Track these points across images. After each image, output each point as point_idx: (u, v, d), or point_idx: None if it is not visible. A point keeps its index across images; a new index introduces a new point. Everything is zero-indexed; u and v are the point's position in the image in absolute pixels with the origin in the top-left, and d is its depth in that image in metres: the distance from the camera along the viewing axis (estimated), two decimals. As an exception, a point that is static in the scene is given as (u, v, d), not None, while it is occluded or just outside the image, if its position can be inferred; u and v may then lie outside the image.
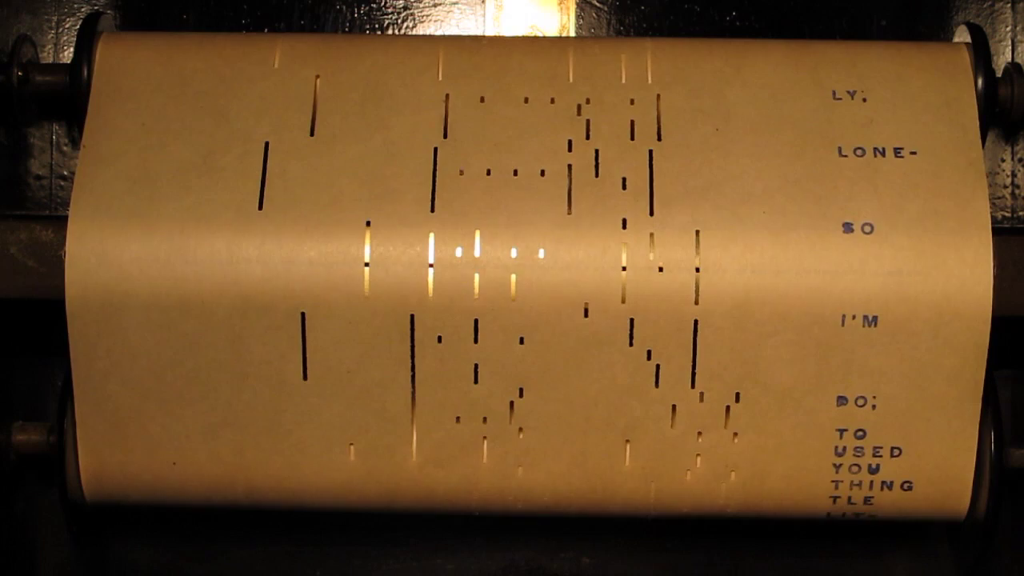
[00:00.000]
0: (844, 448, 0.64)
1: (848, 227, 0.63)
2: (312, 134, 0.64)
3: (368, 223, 0.63)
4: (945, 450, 0.64)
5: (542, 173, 0.64)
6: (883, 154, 0.64)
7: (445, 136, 0.64)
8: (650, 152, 0.64)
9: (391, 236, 0.63)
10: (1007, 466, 0.66)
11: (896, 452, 0.64)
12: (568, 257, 0.63)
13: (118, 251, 0.63)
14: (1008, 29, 0.73)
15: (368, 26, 0.75)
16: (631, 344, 0.63)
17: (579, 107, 0.65)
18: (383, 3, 0.75)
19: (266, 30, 0.74)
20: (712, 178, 0.64)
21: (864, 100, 0.65)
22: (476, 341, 0.63)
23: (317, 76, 0.65)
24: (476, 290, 0.63)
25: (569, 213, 0.63)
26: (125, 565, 0.71)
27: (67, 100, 0.68)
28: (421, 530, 0.70)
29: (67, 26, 0.73)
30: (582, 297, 0.63)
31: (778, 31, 0.74)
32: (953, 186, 0.63)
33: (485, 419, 0.64)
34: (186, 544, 0.71)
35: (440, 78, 0.66)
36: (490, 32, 0.75)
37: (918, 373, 0.63)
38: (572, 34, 0.75)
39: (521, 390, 0.64)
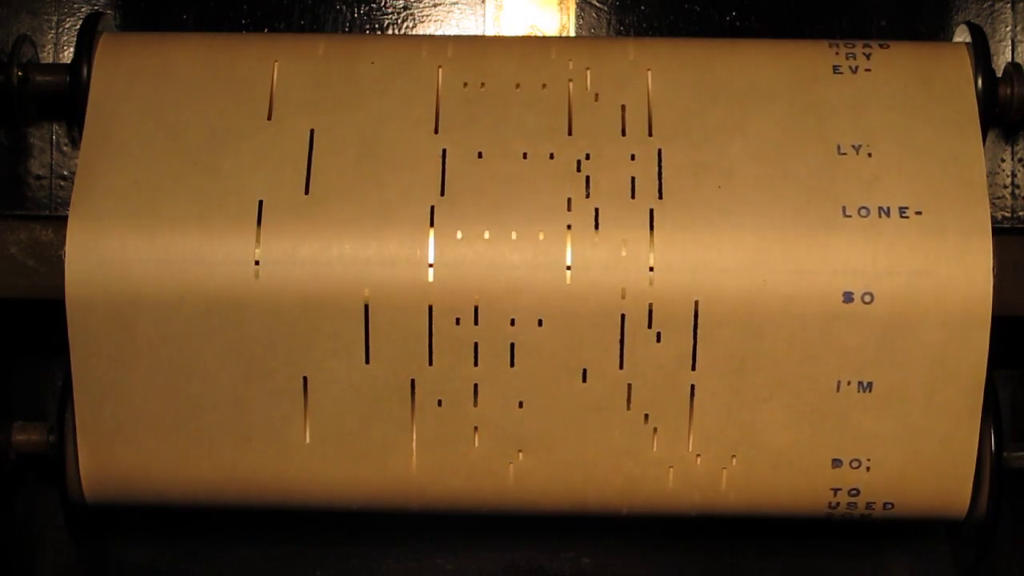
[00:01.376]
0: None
1: (848, 296, 0.63)
2: (307, 192, 0.64)
3: (366, 292, 0.63)
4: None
5: (541, 236, 0.63)
6: (887, 214, 0.63)
7: (443, 194, 0.64)
8: (651, 211, 0.63)
9: (390, 302, 0.63)
10: (1007, 466, 0.66)
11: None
12: (566, 327, 0.63)
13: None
14: (1008, 29, 0.73)
15: (368, 26, 0.75)
16: (628, 408, 0.64)
17: (579, 163, 0.64)
18: (383, 3, 0.75)
19: (266, 30, 0.74)
20: (713, 240, 0.63)
21: (869, 155, 0.64)
22: (476, 405, 0.64)
23: (312, 130, 0.64)
24: (476, 359, 0.63)
25: (568, 280, 0.63)
26: (125, 565, 0.71)
27: (67, 100, 0.67)
28: (421, 530, 0.70)
29: (67, 26, 0.73)
30: (580, 362, 0.63)
31: (778, 31, 0.74)
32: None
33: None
34: (186, 544, 0.71)
35: (437, 131, 0.65)
36: (490, 32, 0.75)
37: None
38: (572, 34, 0.74)
39: (520, 452, 0.65)
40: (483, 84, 0.65)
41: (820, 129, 0.64)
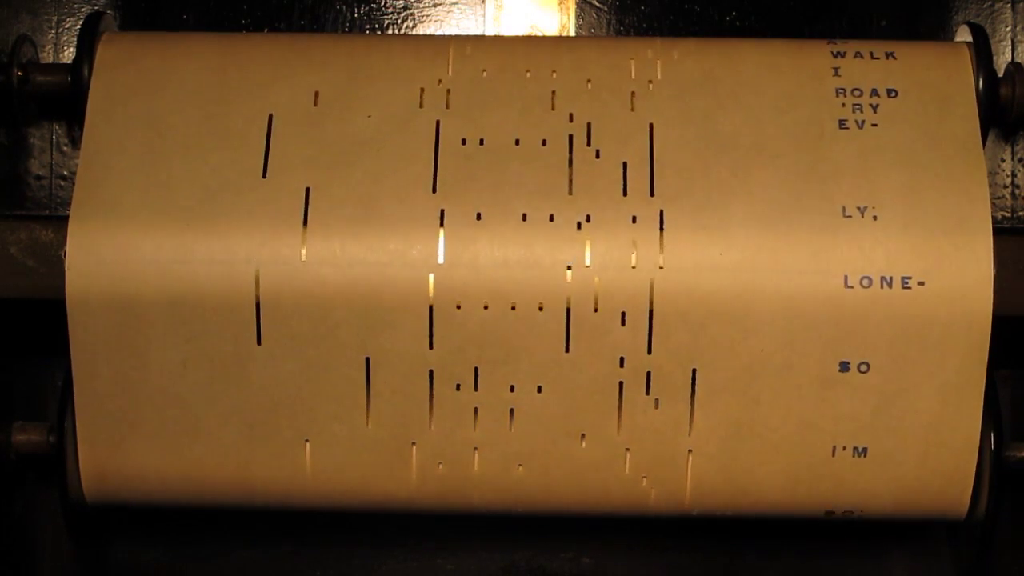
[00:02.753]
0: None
1: (844, 366, 0.63)
2: (303, 260, 0.63)
3: (367, 360, 0.63)
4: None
5: (540, 308, 0.63)
6: (890, 285, 0.63)
7: (441, 261, 0.63)
8: (651, 283, 0.63)
9: (390, 370, 0.63)
10: (1007, 466, 0.66)
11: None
12: (565, 395, 0.64)
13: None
14: (1008, 29, 0.73)
15: (368, 26, 0.75)
16: (626, 470, 0.64)
17: (579, 225, 0.63)
18: (383, 3, 0.75)
19: (266, 29, 0.74)
20: (712, 310, 0.63)
21: (875, 219, 0.63)
22: (475, 467, 0.65)
23: (308, 188, 0.64)
24: (475, 421, 0.64)
25: (567, 351, 0.63)
26: (125, 565, 0.71)
27: (67, 100, 0.68)
28: (421, 530, 0.70)
29: (67, 26, 0.73)
30: (579, 427, 0.64)
31: (778, 31, 0.74)
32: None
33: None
34: (186, 544, 0.71)
35: (434, 191, 0.64)
36: (490, 32, 0.75)
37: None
38: (572, 33, 0.74)
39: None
40: (482, 141, 0.64)
41: (824, 188, 0.63)
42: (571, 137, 0.64)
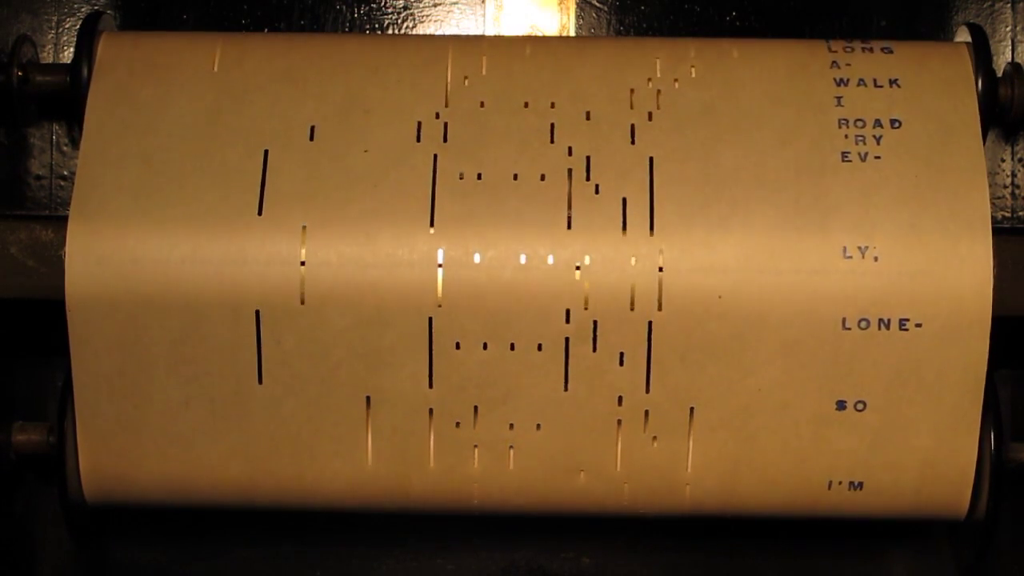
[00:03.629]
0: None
1: (841, 405, 0.64)
2: (303, 303, 0.63)
3: (368, 399, 0.64)
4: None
5: (539, 347, 0.63)
6: (887, 326, 0.63)
7: (440, 300, 0.63)
8: (649, 324, 0.63)
9: (391, 409, 0.64)
10: (1007, 466, 0.66)
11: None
12: (564, 432, 0.64)
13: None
14: (1008, 29, 0.73)
15: (368, 26, 0.75)
16: (624, 502, 0.65)
17: (577, 267, 0.63)
18: (383, 3, 0.75)
19: (266, 29, 0.74)
20: (711, 351, 0.63)
21: (876, 259, 0.63)
22: (475, 502, 0.65)
23: (304, 227, 0.63)
24: (475, 462, 0.64)
25: (566, 390, 0.64)
26: (125, 565, 0.71)
27: (67, 100, 0.67)
28: (421, 530, 0.70)
29: (67, 26, 0.73)
30: (577, 465, 0.64)
31: (778, 31, 0.74)
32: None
33: None
34: (186, 544, 0.71)
35: (432, 228, 0.63)
36: (490, 32, 0.75)
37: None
38: (572, 34, 0.74)
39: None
40: (480, 175, 0.64)
41: (825, 229, 0.63)
42: (570, 171, 0.63)
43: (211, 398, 0.64)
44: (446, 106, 0.65)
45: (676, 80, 0.65)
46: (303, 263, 0.63)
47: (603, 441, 0.64)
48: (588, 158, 0.64)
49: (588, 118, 0.64)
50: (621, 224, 0.63)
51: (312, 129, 0.64)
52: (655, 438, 0.64)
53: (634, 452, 0.64)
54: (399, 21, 0.75)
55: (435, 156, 0.64)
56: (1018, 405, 0.72)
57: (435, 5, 0.75)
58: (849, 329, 0.63)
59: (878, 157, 0.63)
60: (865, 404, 0.63)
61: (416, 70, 0.66)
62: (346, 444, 0.64)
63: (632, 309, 0.63)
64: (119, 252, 0.63)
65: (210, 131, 0.64)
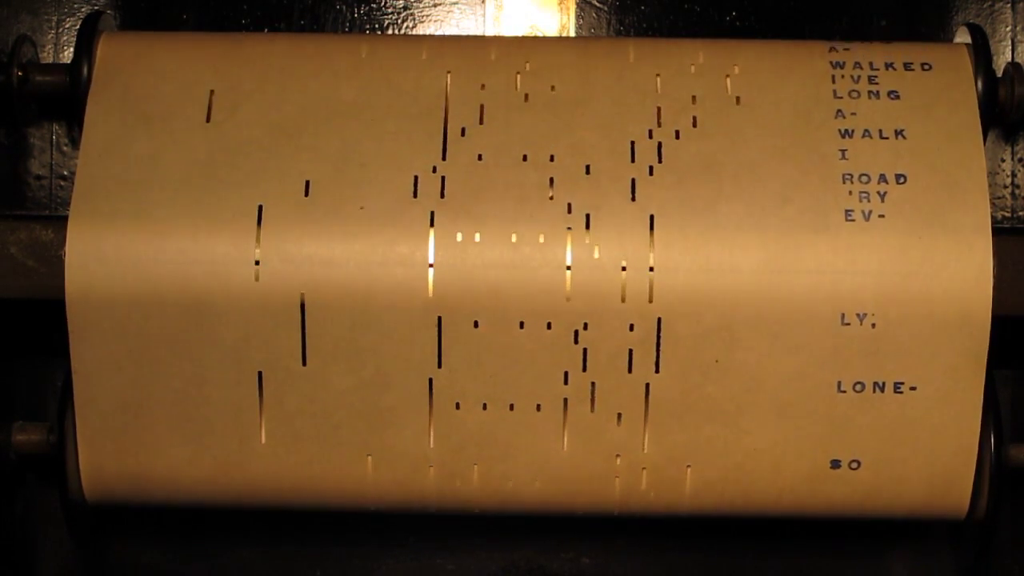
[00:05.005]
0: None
1: (835, 464, 0.64)
2: (304, 364, 0.63)
3: (369, 456, 0.64)
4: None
5: (538, 408, 0.64)
6: (882, 389, 0.63)
7: (439, 366, 0.63)
8: (647, 386, 0.63)
9: (392, 466, 0.64)
10: (1007, 466, 0.66)
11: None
12: (562, 491, 0.65)
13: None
14: (1008, 29, 0.73)
15: (368, 26, 0.75)
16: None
17: (576, 333, 0.63)
18: (383, 3, 0.75)
19: (266, 30, 0.74)
20: (708, 411, 0.63)
21: (873, 326, 0.63)
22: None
23: (303, 294, 0.63)
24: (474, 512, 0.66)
25: (564, 448, 0.64)
26: (125, 565, 0.71)
27: (67, 100, 0.67)
28: (421, 530, 0.70)
29: (67, 26, 0.73)
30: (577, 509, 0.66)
31: (778, 31, 0.74)
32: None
33: None
34: (186, 544, 0.71)
35: (430, 295, 0.63)
36: (490, 32, 0.75)
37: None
38: (572, 34, 0.74)
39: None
40: (478, 236, 0.63)
41: (827, 297, 0.62)
42: (570, 231, 0.63)
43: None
44: (444, 159, 0.64)
45: (677, 131, 0.64)
46: (304, 327, 0.63)
47: (601, 495, 0.65)
48: (588, 215, 0.63)
49: (588, 172, 0.63)
50: (620, 294, 0.63)
51: (307, 184, 0.63)
52: (653, 493, 0.65)
53: (631, 505, 0.65)
54: (399, 21, 0.75)
55: (432, 213, 0.63)
56: (1018, 405, 0.72)
57: (435, 5, 0.75)
58: (844, 392, 0.63)
59: (882, 216, 0.63)
60: (860, 463, 0.64)
61: (413, 121, 0.64)
62: (348, 496, 0.65)
63: (630, 372, 0.63)
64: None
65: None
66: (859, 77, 0.65)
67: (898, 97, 0.65)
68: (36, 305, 0.65)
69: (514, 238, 0.63)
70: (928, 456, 0.64)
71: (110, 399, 0.64)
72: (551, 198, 0.63)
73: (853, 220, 0.62)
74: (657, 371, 0.63)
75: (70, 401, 0.65)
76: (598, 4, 0.75)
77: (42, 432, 0.68)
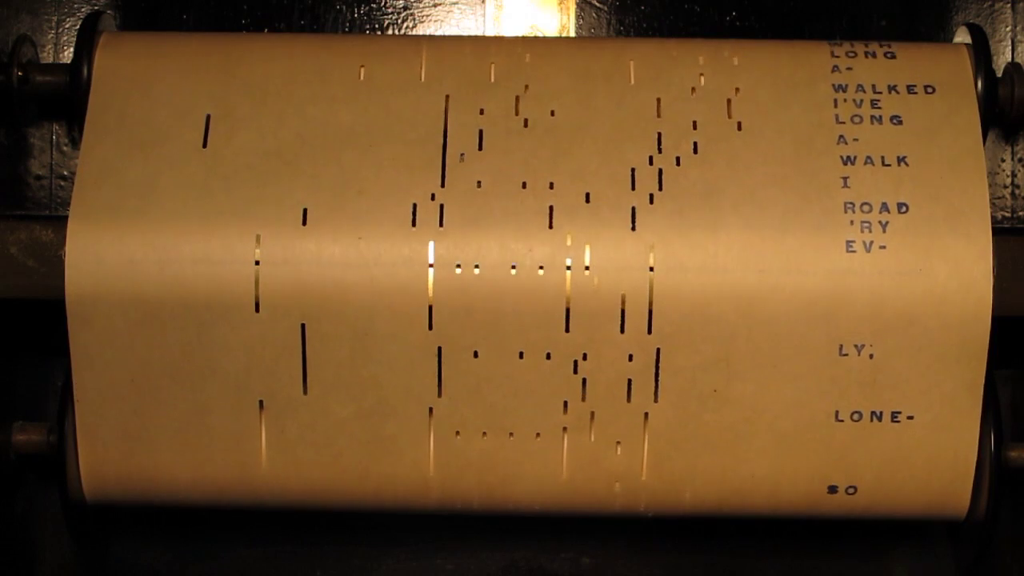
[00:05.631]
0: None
1: (832, 489, 0.65)
2: (305, 393, 0.64)
3: (373, 490, 0.65)
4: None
5: (537, 435, 0.64)
6: (880, 419, 0.63)
7: (440, 395, 0.64)
8: (646, 415, 0.64)
9: (394, 492, 0.65)
10: (1007, 466, 0.66)
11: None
12: (562, 513, 0.66)
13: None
14: (1008, 29, 0.73)
15: (368, 26, 0.75)
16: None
17: (576, 364, 0.63)
18: (383, 3, 0.75)
19: (266, 30, 0.74)
20: (706, 439, 0.64)
21: (871, 357, 0.63)
22: None
23: (303, 324, 0.63)
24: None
25: (564, 475, 0.65)
26: (125, 565, 0.71)
27: (67, 100, 0.67)
28: (421, 530, 0.70)
29: (67, 26, 0.73)
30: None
31: (778, 31, 0.74)
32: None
33: None
34: (186, 544, 0.71)
35: (430, 329, 0.63)
36: (490, 32, 0.75)
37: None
38: (572, 34, 0.74)
39: None
40: (477, 266, 0.62)
41: (826, 327, 0.62)
42: (569, 267, 0.63)
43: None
44: (442, 186, 0.63)
45: (678, 157, 0.64)
46: (304, 356, 0.63)
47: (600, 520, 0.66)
48: (587, 247, 0.63)
49: (588, 200, 0.63)
50: (619, 326, 0.63)
51: (305, 213, 0.63)
52: (652, 517, 0.66)
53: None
54: (399, 21, 0.75)
55: (431, 244, 0.63)
56: (1018, 405, 0.72)
57: (435, 5, 0.75)
58: (842, 421, 0.63)
59: (883, 247, 0.62)
60: (856, 488, 0.65)
61: (411, 146, 0.64)
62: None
63: (629, 401, 0.63)
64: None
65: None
66: (861, 101, 0.65)
67: (901, 122, 0.64)
68: (36, 305, 0.65)
69: (513, 271, 0.62)
70: (924, 482, 0.64)
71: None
72: (551, 227, 0.63)
73: (854, 251, 0.62)
74: (656, 400, 0.63)
75: (70, 401, 0.65)
76: (598, 4, 0.75)
77: (42, 432, 0.68)
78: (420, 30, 0.75)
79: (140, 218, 0.63)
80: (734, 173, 0.63)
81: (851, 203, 0.63)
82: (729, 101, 0.65)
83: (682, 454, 0.64)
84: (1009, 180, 0.73)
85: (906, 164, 0.63)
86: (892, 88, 0.65)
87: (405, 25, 0.75)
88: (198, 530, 0.71)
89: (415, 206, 0.63)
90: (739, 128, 0.64)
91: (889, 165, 0.64)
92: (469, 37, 0.71)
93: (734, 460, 0.64)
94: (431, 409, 0.63)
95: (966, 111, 0.65)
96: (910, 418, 0.63)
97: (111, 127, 0.65)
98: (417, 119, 0.64)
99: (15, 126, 0.71)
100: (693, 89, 0.65)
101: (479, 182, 0.63)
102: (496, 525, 0.69)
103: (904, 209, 0.63)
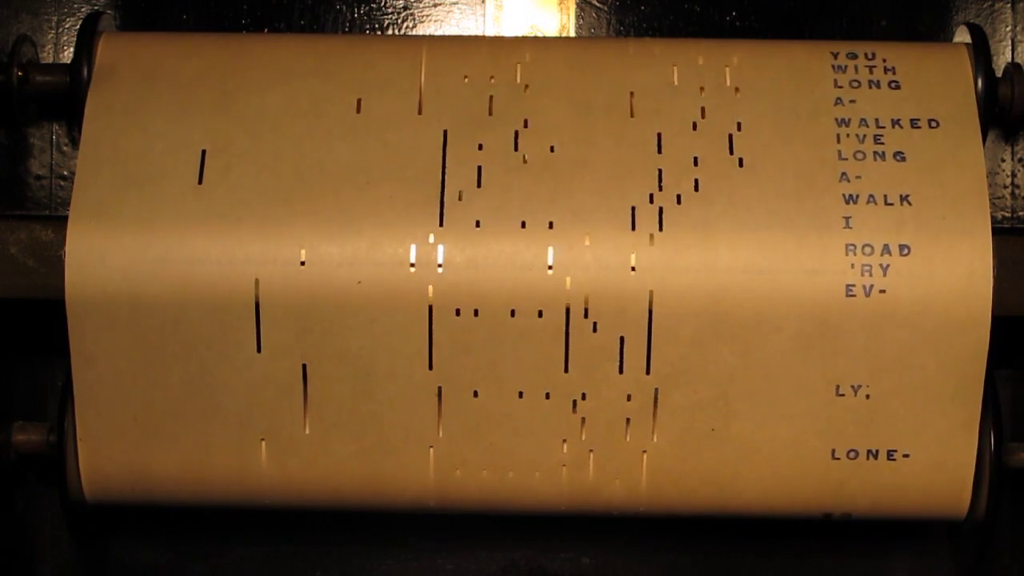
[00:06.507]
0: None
1: (828, 516, 0.65)
2: (306, 431, 0.64)
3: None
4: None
5: (536, 473, 0.64)
6: (875, 456, 0.64)
7: (440, 434, 0.64)
8: (644, 453, 0.64)
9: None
10: (1007, 466, 0.66)
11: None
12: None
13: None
14: (1008, 29, 0.73)
15: (368, 26, 0.75)
16: None
17: (575, 403, 0.64)
18: (383, 3, 0.75)
19: (266, 30, 0.74)
20: (704, 476, 0.64)
21: (868, 397, 0.63)
22: None
23: (304, 365, 0.63)
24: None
25: (562, 509, 0.66)
26: (125, 565, 0.71)
27: (67, 100, 0.67)
28: (421, 530, 0.70)
29: (67, 26, 0.73)
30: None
31: (778, 31, 0.74)
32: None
33: None
34: (186, 544, 0.71)
35: (430, 368, 0.63)
36: (490, 32, 0.74)
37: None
38: (572, 34, 0.74)
39: None
40: (476, 312, 0.63)
41: (823, 367, 0.63)
42: (568, 308, 0.63)
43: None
44: (441, 225, 0.63)
45: (679, 195, 0.63)
46: (305, 400, 0.63)
47: None
48: (586, 296, 0.63)
49: (587, 241, 0.63)
50: (618, 366, 0.63)
51: (303, 255, 0.63)
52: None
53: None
54: (399, 21, 0.75)
55: (429, 287, 0.62)
56: (1018, 405, 0.72)
57: (435, 5, 0.75)
58: (838, 459, 0.64)
59: (883, 291, 0.62)
60: (851, 514, 0.65)
61: (409, 184, 0.63)
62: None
63: (627, 439, 0.64)
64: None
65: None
66: (864, 136, 0.64)
67: (904, 159, 0.63)
68: (36, 305, 0.65)
69: (513, 313, 0.62)
70: (919, 511, 0.65)
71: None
72: (550, 269, 0.62)
73: (853, 295, 0.62)
74: (654, 439, 0.64)
75: (70, 401, 0.65)
76: (598, 4, 0.75)
77: (42, 432, 0.68)
78: (420, 30, 0.75)
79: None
80: (735, 212, 0.63)
81: (852, 245, 0.62)
82: (731, 136, 0.64)
83: (680, 490, 0.65)
84: (1009, 180, 0.73)
85: (909, 203, 0.63)
86: (895, 122, 0.64)
87: (405, 25, 0.75)
88: (198, 530, 0.70)
89: (414, 248, 0.63)
90: (740, 164, 0.64)
91: (892, 204, 0.63)
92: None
93: (731, 493, 0.65)
94: (431, 448, 0.64)
95: (971, 146, 0.64)
96: (906, 456, 0.64)
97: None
98: (415, 155, 0.64)
99: (15, 126, 0.71)
100: (695, 125, 0.64)
101: (478, 222, 0.63)
102: (496, 525, 0.69)
103: (906, 251, 0.62)
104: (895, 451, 0.64)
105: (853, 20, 0.74)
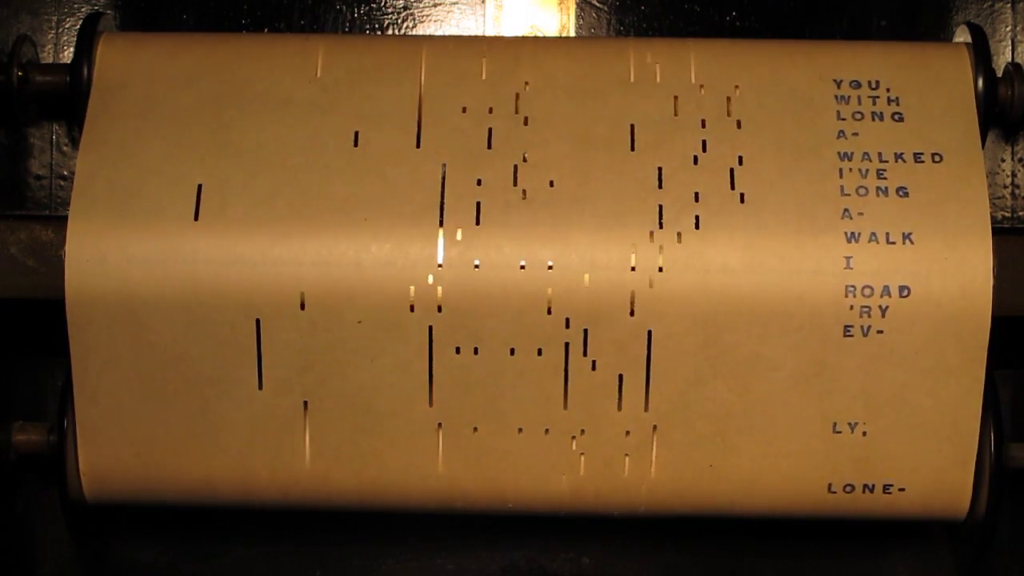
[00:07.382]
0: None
1: (850, 289, 0.63)
2: (307, 464, 0.64)
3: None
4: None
5: (535, 509, 0.65)
6: (872, 490, 0.64)
7: (440, 468, 0.64)
8: (642, 487, 0.65)
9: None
10: (1007, 466, 0.66)
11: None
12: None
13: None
14: (1008, 29, 0.73)
15: (368, 26, 0.75)
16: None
17: (574, 438, 0.64)
18: (383, 3, 0.75)
19: (266, 30, 0.74)
20: (701, 508, 0.65)
21: (864, 434, 0.63)
22: None
23: (305, 402, 0.64)
24: None
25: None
26: (125, 565, 0.71)
27: (67, 100, 0.68)
28: (421, 530, 0.70)
29: (67, 26, 0.73)
30: None
31: (778, 31, 0.74)
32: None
33: None
34: (186, 544, 0.71)
35: (430, 405, 0.63)
36: (490, 32, 0.74)
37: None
38: (572, 34, 0.74)
39: None
40: (476, 350, 0.63)
41: (821, 406, 0.63)
42: (567, 346, 0.63)
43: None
44: (440, 265, 0.63)
45: (679, 232, 0.63)
46: (307, 434, 0.64)
47: None
48: (585, 331, 0.63)
49: (587, 279, 0.62)
50: (617, 403, 0.63)
51: (302, 296, 0.63)
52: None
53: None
54: (399, 21, 0.75)
55: (430, 328, 0.63)
56: (1018, 405, 0.72)
57: (435, 5, 0.75)
58: (834, 493, 0.65)
59: (880, 332, 0.62)
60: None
61: (407, 220, 0.63)
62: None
63: (626, 474, 0.64)
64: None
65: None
66: (867, 171, 0.63)
67: (907, 195, 0.63)
68: (36, 305, 0.65)
69: (512, 352, 0.63)
70: (918, 513, 0.66)
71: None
72: (549, 313, 0.62)
73: (851, 335, 0.62)
74: (652, 474, 0.64)
75: (70, 401, 0.65)
76: (598, 4, 0.75)
77: (42, 432, 0.68)
78: (420, 30, 0.75)
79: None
80: (735, 250, 0.62)
81: (852, 287, 0.62)
82: (732, 171, 0.64)
83: (678, 521, 0.66)
84: (1009, 180, 0.73)
85: (911, 242, 0.62)
86: (899, 156, 0.64)
87: (405, 25, 0.75)
88: (198, 530, 0.70)
89: (413, 288, 0.62)
90: (742, 200, 0.63)
91: (894, 243, 0.62)
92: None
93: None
94: (431, 482, 0.65)
95: (974, 181, 0.63)
96: (902, 490, 0.64)
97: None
98: (414, 191, 0.63)
99: (15, 126, 0.71)
100: (696, 159, 0.64)
101: (477, 264, 0.62)
102: (496, 525, 0.69)
103: (906, 293, 0.62)
104: (891, 485, 0.64)
105: (853, 20, 0.74)
